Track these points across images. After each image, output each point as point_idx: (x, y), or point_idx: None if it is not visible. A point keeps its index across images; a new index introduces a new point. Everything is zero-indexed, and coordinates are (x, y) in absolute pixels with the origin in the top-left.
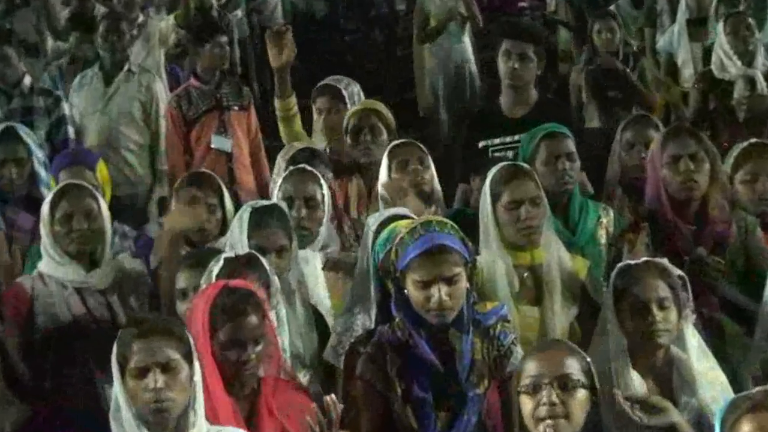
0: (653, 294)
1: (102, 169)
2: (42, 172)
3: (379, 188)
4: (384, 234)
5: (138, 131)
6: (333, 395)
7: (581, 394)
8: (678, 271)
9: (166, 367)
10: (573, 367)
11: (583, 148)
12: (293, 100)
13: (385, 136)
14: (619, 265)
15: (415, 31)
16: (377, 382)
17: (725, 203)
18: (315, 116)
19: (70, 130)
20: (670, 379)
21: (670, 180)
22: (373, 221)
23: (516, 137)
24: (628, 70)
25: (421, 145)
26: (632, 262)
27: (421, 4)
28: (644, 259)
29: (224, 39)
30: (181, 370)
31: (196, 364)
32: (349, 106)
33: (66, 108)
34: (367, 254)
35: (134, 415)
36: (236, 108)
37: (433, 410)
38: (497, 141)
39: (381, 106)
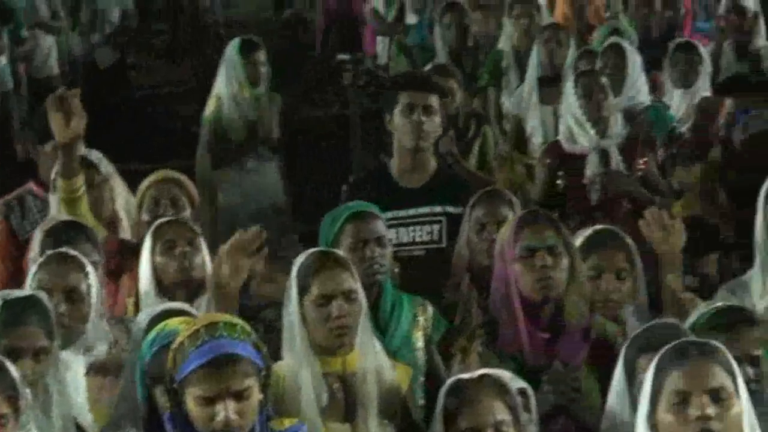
0: (489, 418)
1: None
2: None
3: (142, 279)
4: (152, 334)
5: None
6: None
7: None
8: (520, 384)
9: None
10: None
11: None
12: (81, 178)
13: (188, 211)
14: (449, 381)
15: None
16: None
17: (584, 306)
18: None
19: None
20: None
21: (522, 277)
22: (144, 317)
23: (411, 212)
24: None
25: (192, 224)
26: (465, 376)
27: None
28: (479, 372)
29: None
30: None
31: None
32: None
33: None
34: (135, 358)
35: None
36: None
37: None
38: (390, 215)
39: (183, 176)
